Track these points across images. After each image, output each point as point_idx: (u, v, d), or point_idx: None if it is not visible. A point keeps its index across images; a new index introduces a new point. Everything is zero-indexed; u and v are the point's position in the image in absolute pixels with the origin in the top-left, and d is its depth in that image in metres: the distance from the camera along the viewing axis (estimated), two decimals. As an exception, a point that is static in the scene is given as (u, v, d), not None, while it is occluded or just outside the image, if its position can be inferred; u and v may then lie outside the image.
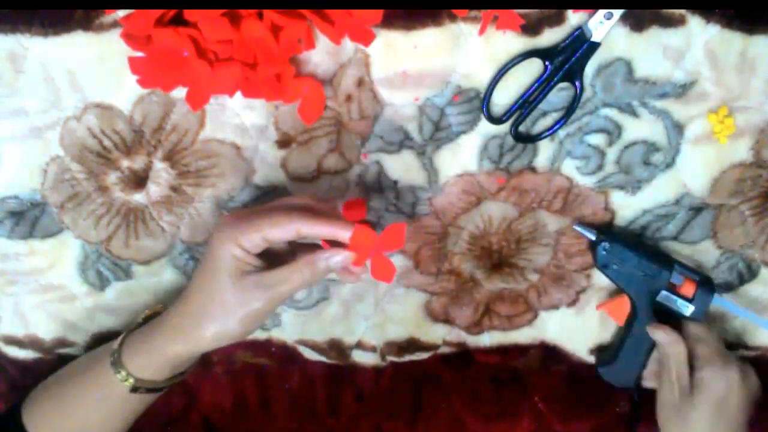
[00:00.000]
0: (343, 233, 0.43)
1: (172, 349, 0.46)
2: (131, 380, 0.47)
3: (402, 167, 0.53)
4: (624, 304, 0.55)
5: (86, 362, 0.51)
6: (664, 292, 0.53)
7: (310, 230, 0.43)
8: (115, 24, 0.48)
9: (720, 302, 0.55)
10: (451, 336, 0.59)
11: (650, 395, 0.55)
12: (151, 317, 0.51)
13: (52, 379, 0.52)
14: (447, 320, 0.58)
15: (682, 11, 0.49)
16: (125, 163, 0.52)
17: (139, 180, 0.53)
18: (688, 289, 0.53)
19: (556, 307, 0.58)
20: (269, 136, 0.52)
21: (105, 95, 0.50)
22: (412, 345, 0.59)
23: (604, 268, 0.53)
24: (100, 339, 0.57)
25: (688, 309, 0.53)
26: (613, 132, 0.52)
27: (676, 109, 0.51)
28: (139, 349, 0.47)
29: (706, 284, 0.53)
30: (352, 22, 0.46)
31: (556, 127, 0.51)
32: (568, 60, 0.49)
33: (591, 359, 0.59)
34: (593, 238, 0.53)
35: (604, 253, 0.53)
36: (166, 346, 0.46)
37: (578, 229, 0.53)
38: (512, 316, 0.58)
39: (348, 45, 0.49)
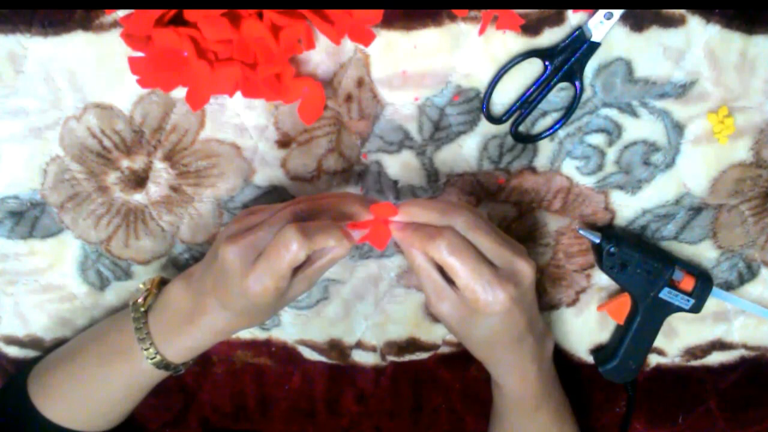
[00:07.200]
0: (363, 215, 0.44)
1: (213, 335, 0.47)
2: (158, 357, 0.47)
3: (402, 167, 0.53)
4: (625, 304, 0.55)
5: (102, 335, 0.51)
6: (666, 289, 0.53)
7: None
8: (115, 24, 0.48)
9: (721, 296, 0.56)
10: (451, 336, 0.58)
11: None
12: (160, 283, 0.50)
13: (63, 351, 0.52)
14: (447, 320, 0.58)
15: (682, 11, 0.49)
16: (125, 163, 0.52)
17: (139, 180, 0.53)
18: (688, 283, 0.54)
19: (555, 307, 0.58)
20: (269, 136, 0.52)
21: (105, 95, 0.50)
22: (412, 345, 0.59)
23: (609, 269, 0.53)
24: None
25: (688, 303, 0.54)
26: (613, 132, 0.52)
27: (676, 109, 0.51)
28: (173, 329, 0.47)
29: (705, 277, 0.54)
30: (352, 22, 0.46)
31: (556, 127, 0.51)
32: (568, 60, 0.49)
33: (590, 359, 0.59)
34: (597, 241, 0.53)
35: (609, 255, 0.52)
36: (207, 332, 0.47)
37: (583, 233, 0.53)
38: (512, 316, 0.58)
39: (348, 45, 0.49)
